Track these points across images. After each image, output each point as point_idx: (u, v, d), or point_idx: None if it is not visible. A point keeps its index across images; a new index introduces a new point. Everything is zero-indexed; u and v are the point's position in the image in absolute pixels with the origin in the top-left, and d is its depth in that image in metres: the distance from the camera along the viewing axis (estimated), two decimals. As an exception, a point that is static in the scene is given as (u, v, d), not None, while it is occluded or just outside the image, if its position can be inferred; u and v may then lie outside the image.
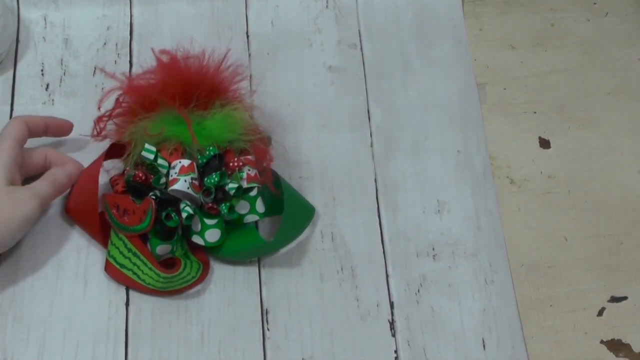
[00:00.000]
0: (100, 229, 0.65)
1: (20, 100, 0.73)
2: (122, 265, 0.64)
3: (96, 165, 0.66)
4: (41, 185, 0.64)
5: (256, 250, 0.66)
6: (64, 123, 0.69)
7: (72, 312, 0.65)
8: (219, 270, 0.67)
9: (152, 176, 0.64)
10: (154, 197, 0.63)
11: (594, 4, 1.70)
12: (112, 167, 0.68)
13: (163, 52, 0.67)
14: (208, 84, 0.66)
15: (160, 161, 0.64)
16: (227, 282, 0.67)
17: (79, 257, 0.67)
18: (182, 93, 0.65)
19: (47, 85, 0.74)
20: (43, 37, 0.76)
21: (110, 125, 0.67)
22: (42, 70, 0.75)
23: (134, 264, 0.64)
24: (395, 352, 0.65)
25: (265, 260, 0.68)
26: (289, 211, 0.66)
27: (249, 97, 0.69)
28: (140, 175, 0.64)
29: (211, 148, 0.64)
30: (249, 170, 0.65)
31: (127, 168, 0.65)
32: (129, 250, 0.64)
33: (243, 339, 0.65)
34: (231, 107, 0.66)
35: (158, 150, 0.64)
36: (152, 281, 0.63)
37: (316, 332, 0.65)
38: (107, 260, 0.65)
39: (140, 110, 0.65)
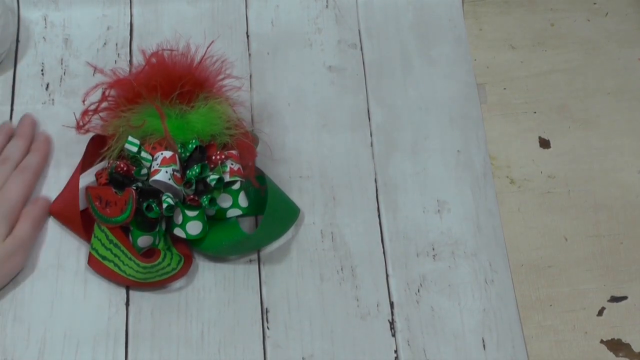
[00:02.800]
0: (83, 226, 0.66)
1: (21, 100, 0.73)
2: (104, 257, 0.64)
3: (78, 165, 0.67)
4: (24, 229, 0.65)
5: (237, 244, 0.66)
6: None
7: (72, 312, 0.65)
8: (219, 270, 0.67)
9: (134, 167, 0.64)
10: (135, 189, 0.64)
11: (594, 4, 1.70)
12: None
13: (154, 54, 0.67)
14: (192, 78, 0.66)
15: (143, 154, 0.64)
16: (227, 281, 0.67)
17: (79, 257, 0.67)
18: (165, 86, 0.65)
19: (47, 84, 0.74)
20: (43, 37, 0.76)
21: (95, 120, 0.67)
22: (42, 70, 0.75)
23: (115, 255, 0.64)
24: (395, 352, 0.65)
25: (265, 259, 0.68)
26: (271, 207, 0.66)
27: (234, 93, 0.69)
28: (122, 166, 0.64)
29: (193, 141, 0.64)
30: (231, 164, 0.65)
31: (111, 160, 0.65)
32: (110, 241, 0.64)
33: (243, 338, 0.65)
34: (215, 102, 0.66)
35: (141, 144, 0.64)
36: (132, 272, 0.63)
37: (316, 331, 0.65)
38: (90, 254, 0.65)
39: (124, 103, 0.65)
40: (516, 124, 1.57)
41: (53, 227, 0.68)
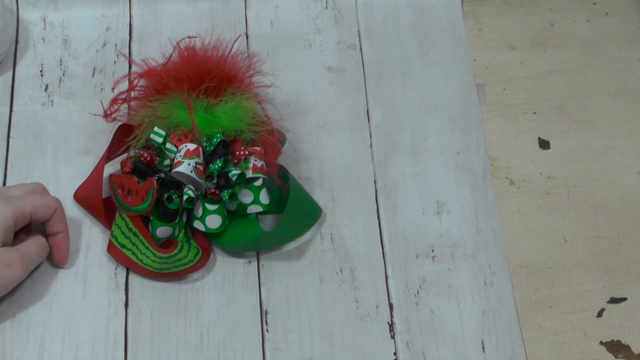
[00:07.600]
0: (106, 214, 0.66)
1: (20, 101, 0.73)
2: (122, 245, 0.65)
3: (104, 153, 0.67)
4: (30, 248, 0.62)
5: (255, 241, 0.66)
6: (64, 250, 0.65)
7: (71, 314, 0.64)
8: (218, 272, 0.67)
9: (157, 158, 0.65)
10: (157, 179, 0.64)
11: (594, 4, 1.70)
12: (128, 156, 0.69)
13: (186, 47, 0.67)
14: (221, 73, 0.66)
15: (168, 145, 0.64)
16: (227, 283, 0.67)
17: (78, 258, 0.67)
18: (194, 79, 0.65)
19: (47, 86, 0.74)
20: (42, 38, 0.76)
21: (123, 108, 0.68)
22: (41, 71, 0.75)
23: (134, 244, 0.64)
24: (395, 354, 0.65)
25: (265, 261, 0.68)
26: (291, 206, 0.66)
27: (264, 90, 0.69)
28: (146, 155, 0.65)
29: (218, 135, 0.65)
30: (255, 160, 0.65)
31: (136, 150, 0.66)
32: (130, 230, 0.64)
33: (242, 340, 0.65)
34: (243, 97, 0.66)
35: (167, 135, 0.64)
36: (149, 261, 0.64)
37: (315, 333, 0.65)
38: (110, 241, 0.65)
39: (153, 93, 0.66)
40: (516, 125, 1.57)
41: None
